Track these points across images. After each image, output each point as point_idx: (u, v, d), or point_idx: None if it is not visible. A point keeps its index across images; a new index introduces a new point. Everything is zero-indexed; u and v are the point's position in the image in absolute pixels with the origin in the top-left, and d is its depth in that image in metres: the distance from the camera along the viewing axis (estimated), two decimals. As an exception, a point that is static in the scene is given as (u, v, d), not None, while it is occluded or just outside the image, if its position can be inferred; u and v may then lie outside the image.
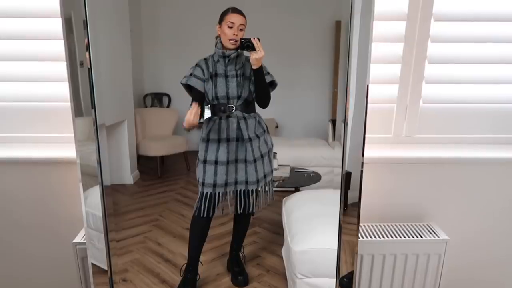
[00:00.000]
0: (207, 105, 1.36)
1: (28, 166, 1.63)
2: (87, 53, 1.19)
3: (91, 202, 1.31)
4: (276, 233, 1.61)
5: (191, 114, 1.34)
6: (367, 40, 1.17)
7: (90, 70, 1.20)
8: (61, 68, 1.59)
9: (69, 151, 1.59)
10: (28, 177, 1.64)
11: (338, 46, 1.45)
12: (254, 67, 1.30)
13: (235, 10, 1.30)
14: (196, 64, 1.35)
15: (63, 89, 1.60)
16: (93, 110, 1.23)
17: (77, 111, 1.25)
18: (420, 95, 1.70)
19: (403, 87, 1.69)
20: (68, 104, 1.54)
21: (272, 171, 1.47)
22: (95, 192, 1.30)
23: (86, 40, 1.18)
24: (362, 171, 1.27)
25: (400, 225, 1.70)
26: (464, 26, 1.63)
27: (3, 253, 1.75)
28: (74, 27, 1.19)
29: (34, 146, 1.69)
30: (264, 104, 1.38)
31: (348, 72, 1.20)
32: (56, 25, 1.55)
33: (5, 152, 1.63)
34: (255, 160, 1.41)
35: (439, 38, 1.63)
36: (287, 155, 1.55)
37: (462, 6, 1.60)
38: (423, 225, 1.70)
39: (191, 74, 1.35)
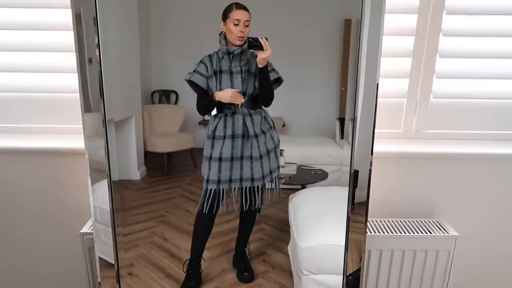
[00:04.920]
0: None
1: (36, 156, 1.64)
2: (97, 50, 1.18)
3: (98, 196, 1.32)
4: (282, 230, 1.60)
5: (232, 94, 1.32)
6: (377, 36, 1.14)
7: (100, 66, 1.19)
8: (69, 60, 1.59)
9: (77, 142, 1.60)
10: (36, 167, 1.65)
11: (346, 44, 1.43)
12: (260, 66, 1.29)
13: (239, 6, 1.27)
14: (200, 61, 1.33)
15: (72, 81, 1.59)
16: (102, 105, 1.23)
17: (86, 107, 1.24)
18: (431, 89, 1.68)
19: (414, 81, 1.67)
20: (76, 95, 1.55)
21: (278, 167, 1.46)
22: (102, 186, 1.31)
23: (96, 37, 1.17)
24: (370, 170, 1.25)
25: (408, 221, 1.68)
26: (477, 19, 1.59)
27: (11, 243, 1.77)
28: (84, 23, 1.18)
29: (42, 136, 1.70)
30: (267, 102, 1.36)
31: (358, 69, 1.17)
32: (65, 16, 1.55)
33: (13, 142, 1.65)
34: (261, 157, 1.40)
35: (451, 32, 1.60)
36: (294, 153, 1.54)
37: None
38: (432, 221, 1.68)
39: (194, 71, 1.33)
